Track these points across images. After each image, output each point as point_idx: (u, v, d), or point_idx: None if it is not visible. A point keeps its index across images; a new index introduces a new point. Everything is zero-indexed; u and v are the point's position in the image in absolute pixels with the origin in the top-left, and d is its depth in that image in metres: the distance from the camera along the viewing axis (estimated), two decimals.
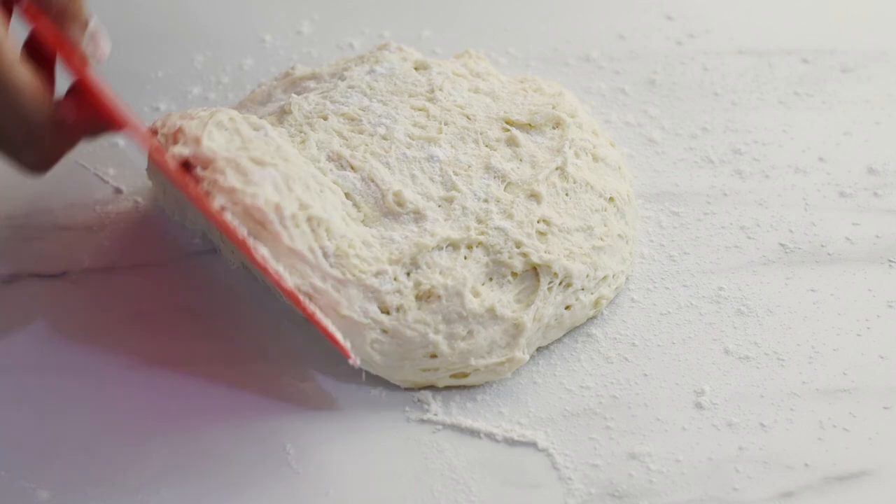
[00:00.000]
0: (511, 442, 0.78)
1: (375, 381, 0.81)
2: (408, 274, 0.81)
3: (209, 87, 1.02)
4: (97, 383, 0.81)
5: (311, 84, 0.94)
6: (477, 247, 0.82)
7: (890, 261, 0.88)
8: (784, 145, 0.97)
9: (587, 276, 0.83)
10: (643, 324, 0.84)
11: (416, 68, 0.93)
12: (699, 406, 0.80)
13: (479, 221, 0.83)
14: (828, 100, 1.01)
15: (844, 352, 0.82)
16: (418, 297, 0.80)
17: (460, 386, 0.81)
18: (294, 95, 0.90)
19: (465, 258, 0.82)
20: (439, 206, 0.84)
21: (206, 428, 0.79)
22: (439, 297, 0.80)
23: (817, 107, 1.00)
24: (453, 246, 0.82)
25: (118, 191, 0.94)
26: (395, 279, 0.80)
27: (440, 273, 0.81)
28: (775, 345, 0.83)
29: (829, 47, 1.05)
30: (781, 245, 0.89)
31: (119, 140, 0.98)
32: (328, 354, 0.83)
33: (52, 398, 0.81)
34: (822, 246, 0.89)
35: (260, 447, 0.78)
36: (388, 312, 0.80)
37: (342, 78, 0.92)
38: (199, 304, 0.86)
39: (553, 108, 0.90)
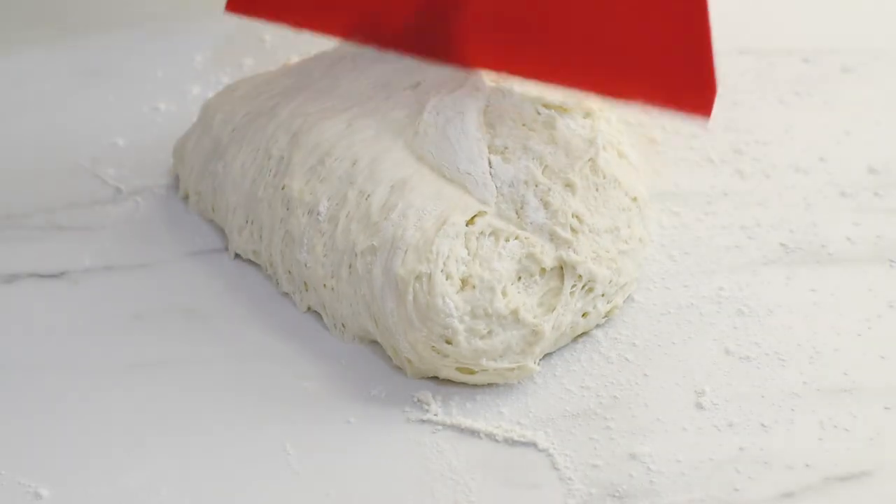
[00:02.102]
0: (511, 442, 0.78)
1: (375, 380, 0.81)
2: (468, 251, 0.80)
3: (209, 86, 1.02)
4: (97, 383, 0.81)
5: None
6: (514, 239, 0.81)
7: (890, 261, 0.88)
8: (784, 145, 0.96)
9: (610, 281, 0.82)
10: (643, 324, 0.84)
11: None
12: (700, 406, 0.79)
13: (518, 213, 0.82)
14: (828, 100, 1.00)
15: (845, 352, 0.82)
16: (462, 280, 0.80)
17: (462, 383, 0.81)
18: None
19: (502, 251, 0.81)
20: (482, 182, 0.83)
21: (206, 428, 0.79)
22: (474, 287, 0.79)
23: (817, 107, 1.00)
24: (495, 235, 0.81)
25: (118, 191, 0.94)
26: (466, 248, 0.80)
27: (480, 263, 0.80)
28: (776, 345, 0.83)
29: (829, 47, 1.05)
30: (782, 245, 0.89)
31: (119, 140, 0.98)
32: (328, 354, 0.83)
33: (52, 398, 0.81)
34: (823, 246, 0.89)
35: (260, 447, 0.78)
36: (448, 276, 0.79)
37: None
38: (199, 304, 0.86)
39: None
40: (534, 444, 0.78)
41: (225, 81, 1.02)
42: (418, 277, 0.79)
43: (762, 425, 0.78)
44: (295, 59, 0.96)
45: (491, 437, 0.78)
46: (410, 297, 0.79)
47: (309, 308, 0.85)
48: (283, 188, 0.85)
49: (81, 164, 0.96)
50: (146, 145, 0.97)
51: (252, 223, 0.87)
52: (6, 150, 0.97)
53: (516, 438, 0.78)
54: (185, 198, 0.93)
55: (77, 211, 0.93)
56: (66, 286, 0.88)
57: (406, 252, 0.79)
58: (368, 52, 0.91)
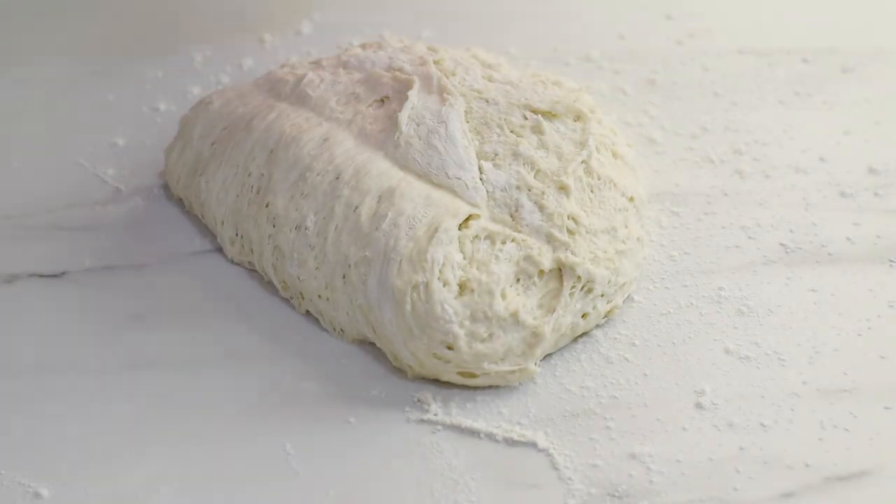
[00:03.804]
0: (511, 442, 0.78)
1: (375, 380, 0.81)
2: (463, 256, 0.80)
3: (209, 87, 1.02)
4: (97, 383, 0.82)
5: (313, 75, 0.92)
6: (511, 242, 0.81)
7: (890, 261, 0.88)
8: (784, 145, 0.97)
9: (609, 282, 0.82)
10: (643, 324, 0.84)
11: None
12: (699, 406, 0.79)
13: (513, 217, 0.82)
14: (828, 100, 1.01)
15: (845, 352, 0.82)
16: (459, 285, 0.80)
17: (462, 385, 0.81)
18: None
19: (499, 254, 0.81)
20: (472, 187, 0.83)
21: (206, 428, 0.79)
22: (472, 290, 0.79)
23: (817, 107, 1.00)
24: (490, 239, 0.81)
25: (118, 191, 0.94)
26: (461, 252, 0.80)
27: (477, 267, 0.80)
28: (776, 345, 0.83)
29: (829, 47, 1.05)
30: (782, 245, 0.89)
31: (119, 140, 0.98)
32: (328, 354, 0.83)
33: (52, 398, 0.81)
34: (823, 246, 0.89)
35: (260, 447, 0.78)
36: (446, 283, 0.79)
37: (345, 65, 0.91)
38: (199, 304, 0.86)
39: (574, 101, 0.89)
40: (534, 444, 0.78)
41: (225, 81, 1.02)
42: (415, 287, 0.79)
43: (762, 425, 0.78)
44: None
45: (491, 437, 0.78)
46: (408, 307, 0.79)
47: (308, 312, 0.85)
48: (266, 205, 0.85)
49: (81, 164, 0.96)
50: (146, 145, 0.97)
51: (242, 237, 0.87)
52: (6, 150, 0.97)
53: (516, 438, 0.78)
54: (180, 201, 0.93)
55: (77, 211, 0.93)
56: (66, 286, 0.88)
57: (400, 263, 0.79)
58: (329, 64, 0.92)
